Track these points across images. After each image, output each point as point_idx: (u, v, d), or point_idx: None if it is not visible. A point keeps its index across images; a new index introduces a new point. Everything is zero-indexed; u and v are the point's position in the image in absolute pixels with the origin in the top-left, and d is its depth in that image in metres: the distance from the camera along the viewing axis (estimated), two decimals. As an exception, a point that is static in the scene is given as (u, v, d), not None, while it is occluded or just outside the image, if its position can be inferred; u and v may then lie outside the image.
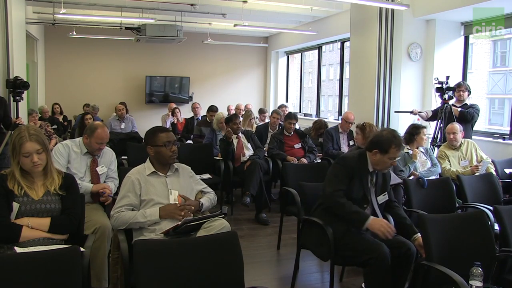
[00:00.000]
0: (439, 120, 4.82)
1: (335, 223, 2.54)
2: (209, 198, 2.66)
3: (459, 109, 4.79)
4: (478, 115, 4.92)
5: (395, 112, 5.81)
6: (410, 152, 4.11)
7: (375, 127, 3.97)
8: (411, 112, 5.28)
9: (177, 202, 2.46)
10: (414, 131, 4.11)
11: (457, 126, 4.21)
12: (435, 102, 5.02)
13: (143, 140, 2.72)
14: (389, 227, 2.39)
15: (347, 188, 2.55)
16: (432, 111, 5.21)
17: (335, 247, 2.51)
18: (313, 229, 2.72)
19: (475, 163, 4.11)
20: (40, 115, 7.54)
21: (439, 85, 4.80)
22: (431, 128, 5.32)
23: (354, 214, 2.45)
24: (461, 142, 4.22)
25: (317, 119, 6.82)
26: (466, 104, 4.89)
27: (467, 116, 4.73)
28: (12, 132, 3.86)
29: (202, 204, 2.58)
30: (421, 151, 4.18)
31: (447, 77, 4.85)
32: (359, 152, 2.67)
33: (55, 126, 7.42)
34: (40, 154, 2.15)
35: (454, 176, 3.81)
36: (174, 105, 8.50)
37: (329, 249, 2.53)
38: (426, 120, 5.10)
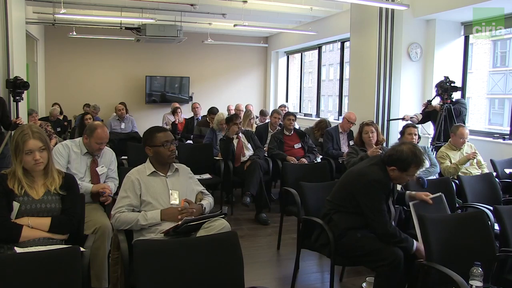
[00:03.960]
0: (439, 120, 4.81)
1: (352, 229, 2.54)
2: (209, 202, 2.65)
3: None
4: (466, 109, 4.97)
5: (390, 120, 5.86)
6: None
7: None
8: (403, 119, 5.32)
9: (177, 204, 2.46)
10: (403, 130, 4.18)
11: (467, 131, 4.25)
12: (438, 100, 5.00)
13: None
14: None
15: None
16: (421, 113, 5.21)
17: (346, 249, 2.54)
18: (317, 228, 2.74)
19: (475, 165, 4.13)
20: (47, 116, 7.59)
21: (452, 85, 4.76)
22: (430, 128, 5.32)
23: (404, 242, 2.43)
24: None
25: (321, 118, 6.80)
26: (452, 100, 4.88)
27: (454, 112, 4.76)
28: (13, 132, 3.86)
29: (205, 208, 2.57)
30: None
31: (446, 77, 4.85)
32: (380, 168, 2.52)
33: (59, 129, 7.42)
34: (42, 152, 2.16)
35: (456, 172, 3.85)
36: (177, 105, 8.42)
37: (330, 249, 2.54)
38: (418, 123, 5.11)
